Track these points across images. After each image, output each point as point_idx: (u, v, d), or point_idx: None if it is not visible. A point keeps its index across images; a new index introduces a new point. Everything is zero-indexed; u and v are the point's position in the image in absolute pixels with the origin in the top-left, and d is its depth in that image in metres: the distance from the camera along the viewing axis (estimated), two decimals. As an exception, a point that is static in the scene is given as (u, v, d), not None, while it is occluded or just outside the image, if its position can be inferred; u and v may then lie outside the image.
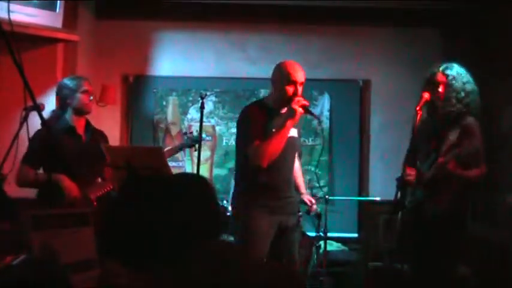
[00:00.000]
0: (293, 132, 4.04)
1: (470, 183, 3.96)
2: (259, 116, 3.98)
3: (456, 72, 3.98)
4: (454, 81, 3.95)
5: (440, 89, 3.96)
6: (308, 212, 4.48)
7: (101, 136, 4.63)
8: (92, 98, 4.50)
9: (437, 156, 3.92)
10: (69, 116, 4.42)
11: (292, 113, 3.86)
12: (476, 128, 3.93)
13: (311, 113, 4.05)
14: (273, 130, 3.89)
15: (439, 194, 3.95)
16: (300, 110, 3.85)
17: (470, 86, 3.98)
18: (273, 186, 3.98)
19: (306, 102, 3.90)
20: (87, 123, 4.53)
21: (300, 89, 3.93)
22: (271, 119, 3.95)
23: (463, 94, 3.94)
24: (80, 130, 4.46)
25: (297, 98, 3.88)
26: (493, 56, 5.81)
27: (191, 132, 5.19)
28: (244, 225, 4.00)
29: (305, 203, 4.39)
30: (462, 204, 4.00)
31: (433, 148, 4.00)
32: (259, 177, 3.94)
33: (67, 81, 4.47)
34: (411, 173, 4.00)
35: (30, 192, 4.34)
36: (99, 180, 4.54)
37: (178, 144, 5.38)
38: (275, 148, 3.86)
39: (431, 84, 3.99)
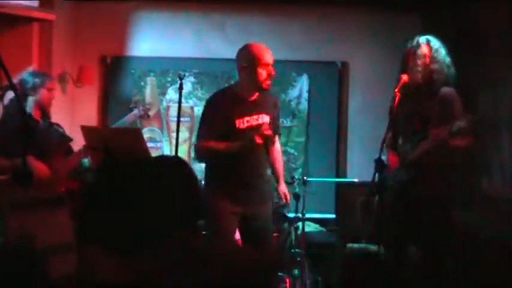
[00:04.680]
0: (263, 119, 3.96)
1: (458, 156, 4.03)
2: (221, 104, 3.89)
3: (438, 44, 4.04)
4: (437, 54, 4.00)
5: (423, 61, 3.97)
6: (282, 206, 4.34)
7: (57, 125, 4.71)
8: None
9: (424, 134, 3.95)
10: (29, 106, 4.46)
11: (251, 142, 3.77)
12: (457, 96, 3.98)
13: (268, 142, 3.88)
14: (223, 146, 3.81)
15: (424, 175, 3.99)
16: (260, 141, 3.76)
17: (449, 57, 4.03)
18: (236, 173, 3.90)
19: (268, 132, 3.79)
20: (43, 112, 4.60)
21: (272, 70, 3.85)
22: (235, 107, 3.86)
23: (446, 65, 3.99)
24: (37, 116, 4.51)
25: (262, 129, 3.80)
26: (472, 39, 5.83)
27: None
28: (209, 214, 3.89)
29: (280, 197, 4.25)
30: (447, 185, 4.04)
31: (417, 127, 4.02)
32: (222, 164, 3.89)
33: (31, 76, 4.51)
34: (395, 159, 4.05)
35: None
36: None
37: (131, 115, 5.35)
38: (214, 157, 3.84)
39: (413, 57, 4.00)
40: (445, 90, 3.98)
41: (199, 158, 3.98)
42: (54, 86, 4.64)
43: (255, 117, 3.91)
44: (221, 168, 3.93)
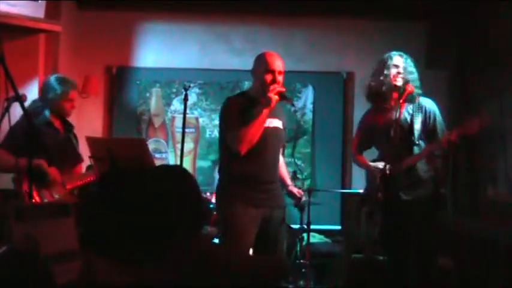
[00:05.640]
0: (277, 123, 4.02)
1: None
2: (240, 105, 3.96)
3: (410, 59, 4.21)
4: (410, 66, 4.17)
5: (397, 74, 4.14)
6: (296, 204, 4.38)
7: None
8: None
9: (410, 142, 4.09)
10: (48, 113, 4.47)
11: (268, 101, 3.84)
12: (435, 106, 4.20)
13: (287, 99, 3.97)
14: (249, 123, 3.86)
15: (420, 179, 4.09)
16: (275, 97, 3.84)
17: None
18: (255, 178, 3.93)
19: (281, 89, 3.88)
20: (64, 120, 4.61)
21: (278, 77, 3.92)
22: (252, 108, 3.91)
23: (418, 78, 4.18)
24: (57, 124, 4.53)
25: (272, 86, 3.87)
26: (474, 48, 5.84)
27: None
28: (225, 218, 3.98)
29: (293, 196, 4.24)
30: (442, 187, 4.23)
31: (402, 136, 4.10)
32: (240, 168, 3.92)
33: (55, 84, 4.45)
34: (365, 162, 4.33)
35: (8, 184, 4.34)
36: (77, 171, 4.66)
37: None
38: (253, 134, 3.82)
39: (386, 71, 4.16)
40: (425, 100, 4.17)
41: (235, 146, 3.89)
42: (75, 95, 4.58)
43: (270, 119, 3.95)
44: (236, 173, 3.96)
